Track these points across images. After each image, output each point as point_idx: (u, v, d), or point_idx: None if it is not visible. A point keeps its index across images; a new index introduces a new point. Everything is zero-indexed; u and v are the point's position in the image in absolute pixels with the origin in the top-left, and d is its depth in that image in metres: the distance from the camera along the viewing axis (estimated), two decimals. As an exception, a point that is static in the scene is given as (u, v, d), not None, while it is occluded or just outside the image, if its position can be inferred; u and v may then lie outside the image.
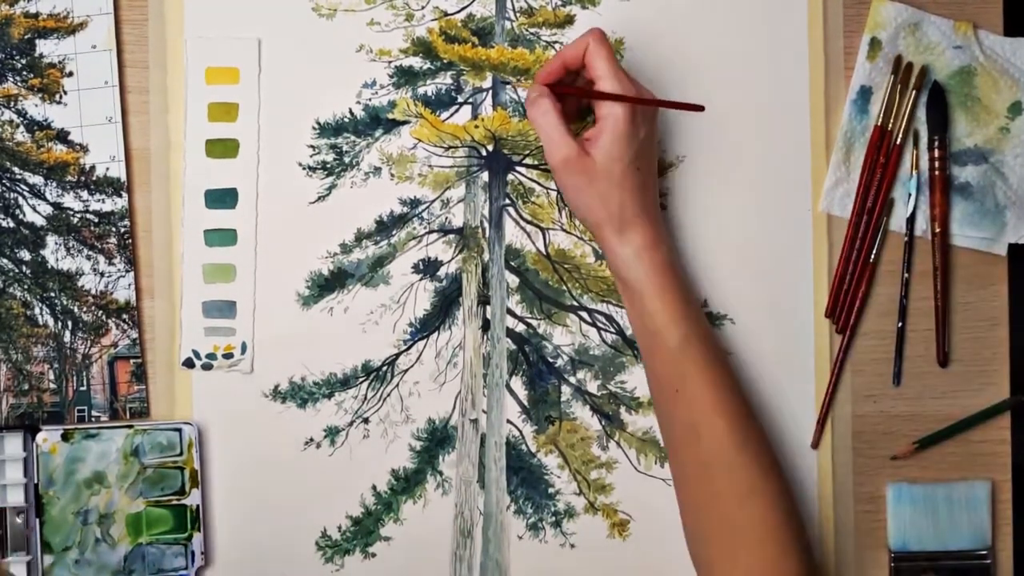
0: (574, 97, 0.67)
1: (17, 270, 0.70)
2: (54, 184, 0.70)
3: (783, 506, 0.61)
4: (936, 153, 0.71)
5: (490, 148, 0.72)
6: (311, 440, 0.71)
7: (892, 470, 0.72)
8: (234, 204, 0.70)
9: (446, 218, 0.71)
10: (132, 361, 0.70)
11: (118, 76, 0.70)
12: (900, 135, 0.71)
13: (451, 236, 0.72)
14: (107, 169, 0.70)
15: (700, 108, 0.64)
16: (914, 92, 0.71)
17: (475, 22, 0.71)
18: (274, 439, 0.71)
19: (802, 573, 0.60)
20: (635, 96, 0.63)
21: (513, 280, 0.72)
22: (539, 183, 0.72)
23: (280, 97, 0.71)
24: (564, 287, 0.72)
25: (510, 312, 0.72)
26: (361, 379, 0.71)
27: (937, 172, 0.71)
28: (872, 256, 0.71)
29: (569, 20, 0.71)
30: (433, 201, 0.71)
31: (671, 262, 0.64)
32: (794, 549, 0.60)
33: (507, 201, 0.72)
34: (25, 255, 0.70)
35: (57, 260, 0.70)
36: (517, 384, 0.72)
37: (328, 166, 0.71)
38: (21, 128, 0.69)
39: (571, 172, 0.63)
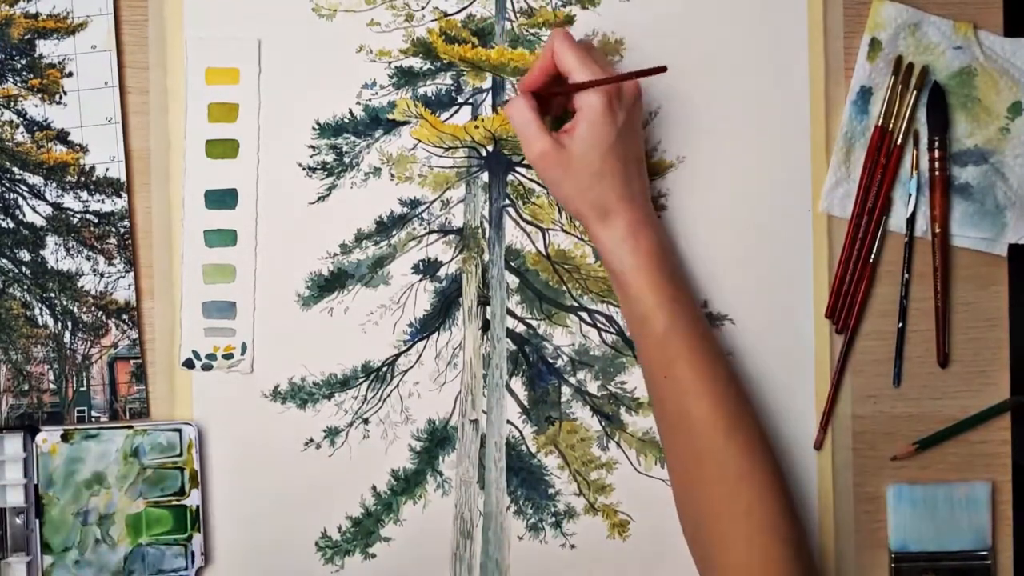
0: (560, 102, 0.67)
1: (17, 270, 0.70)
2: (54, 184, 0.70)
3: (774, 492, 0.61)
4: (936, 153, 0.71)
5: (490, 149, 0.72)
6: (311, 440, 0.71)
7: (892, 470, 0.72)
8: (234, 204, 0.70)
9: (446, 218, 0.71)
10: (132, 361, 0.70)
11: (118, 76, 0.70)
12: (900, 135, 0.71)
13: (451, 236, 0.72)
14: (107, 169, 0.70)
15: (663, 69, 0.63)
16: (914, 92, 0.71)
17: (475, 23, 0.71)
18: (274, 439, 0.71)
19: (794, 558, 0.60)
20: (604, 79, 0.63)
21: (513, 280, 0.72)
22: (539, 183, 0.72)
23: (280, 97, 0.71)
24: (564, 287, 0.72)
25: (510, 312, 0.72)
26: (361, 379, 0.71)
27: (937, 172, 0.71)
28: (872, 256, 0.71)
29: (569, 20, 0.71)
30: (433, 201, 0.71)
31: (657, 247, 0.64)
32: (786, 535, 0.60)
33: (507, 201, 0.72)
34: (25, 255, 0.70)
35: (57, 260, 0.70)
36: (517, 385, 0.72)
37: (328, 166, 0.71)
38: (21, 128, 0.69)
39: (548, 165, 0.64)
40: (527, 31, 0.72)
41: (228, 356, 0.70)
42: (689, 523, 0.64)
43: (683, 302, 0.64)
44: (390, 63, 0.71)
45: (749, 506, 0.61)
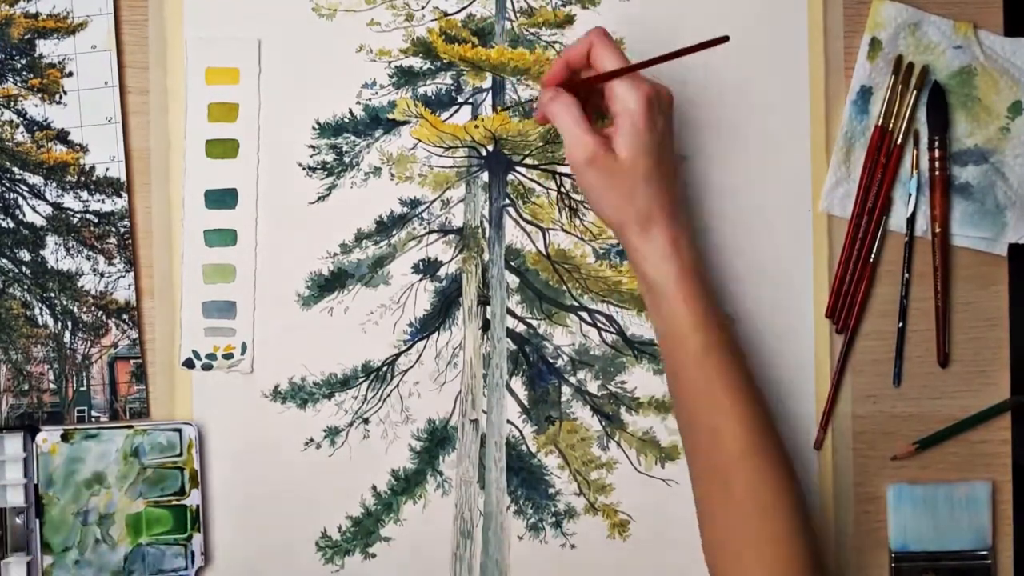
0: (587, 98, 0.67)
1: (17, 270, 0.70)
2: (54, 184, 0.70)
3: (797, 517, 0.60)
4: (936, 153, 0.71)
5: (490, 148, 0.72)
6: (311, 440, 0.71)
7: (892, 470, 0.72)
8: (234, 204, 0.70)
9: (446, 218, 0.71)
10: (132, 361, 0.70)
11: (118, 76, 0.70)
12: (900, 135, 0.71)
13: (451, 236, 0.72)
14: (107, 169, 0.70)
15: (725, 39, 0.61)
16: (914, 92, 0.71)
17: (475, 22, 0.71)
18: (274, 439, 0.71)
19: None
20: (646, 78, 0.61)
21: (513, 280, 0.72)
22: (539, 183, 0.72)
23: (280, 97, 0.71)
24: (564, 287, 0.72)
25: (510, 312, 0.72)
26: (361, 379, 0.71)
27: (937, 172, 0.71)
28: (872, 256, 0.71)
29: (569, 20, 0.71)
30: (433, 201, 0.71)
31: (696, 262, 0.63)
32: (805, 561, 0.59)
33: (507, 201, 0.72)
34: (25, 255, 0.70)
35: (57, 260, 0.70)
36: (517, 384, 0.72)
37: (328, 166, 0.71)
38: (21, 128, 0.69)
39: (596, 170, 0.61)
40: (527, 31, 0.72)
41: (228, 356, 0.70)
42: (710, 545, 0.63)
43: (718, 319, 0.62)
44: (390, 63, 0.71)
45: (777, 531, 0.60)
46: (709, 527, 0.63)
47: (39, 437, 0.69)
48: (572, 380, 0.72)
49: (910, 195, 0.71)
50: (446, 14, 0.71)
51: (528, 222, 0.72)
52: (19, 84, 0.69)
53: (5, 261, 0.70)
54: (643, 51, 0.71)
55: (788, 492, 0.61)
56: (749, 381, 0.63)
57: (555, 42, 0.71)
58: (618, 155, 0.61)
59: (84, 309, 0.70)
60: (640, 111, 0.61)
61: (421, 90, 0.71)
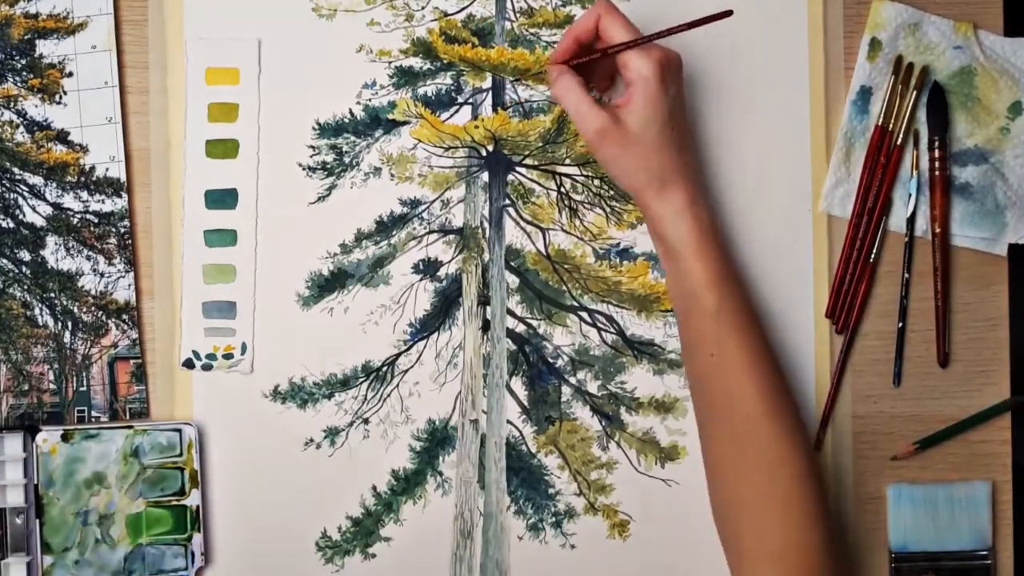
0: (589, 73, 0.67)
1: (17, 270, 0.70)
2: (54, 184, 0.70)
3: (810, 478, 0.61)
4: (936, 153, 0.71)
5: (490, 148, 0.72)
6: (311, 440, 0.71)
7: (892, 470, 0.72)
8: (234, 204, 0.70)
9: (446, 218, 0.72)
10: (132, 361, 0.70)
11: (118, 76, 0.70)
12: (900, 135, 0.71)
13: (451, 236, 0.72)
14: (107, 169, 0.70)
15: (729, 13, 0.63)
16: (914, 92, 0.71)
17: (475, 22, 0.72)
18: (274, 439, 0.71)
19: (825, 544, 0.60)
20: (657, 44, 0.62)
21: (513, 280, 0.72)
22: (539, 183, 0.72)
23: (280, 97, 0.71)
24: (564, 287, 0.72)
25: (510, 312, 0.72)
26: (361, 379, 0.71)
27: (937, 172, 0.71)
28: (872, 256, 0.71)
29: (569, 20, 0.71)
30: (433, 201, 0.71)
31: (711, 222, 0.64)
32: (818, 521, 0.60)
33: (507, 201, 0.72)
34: (25, 255, 0.70)
35: (57, 260, 0.70)
36: (517, 384, 0.72)
37: (328, 166, 0.71)
38: (21, 128, 0.69)
39: (607, 142, 0.63)
40: (527, 31, 0.72)
41: (228, 356, 0.70)
42: (722, 509, 0.63)
43: (733, 280, 0.64)
44: (390, 63, 0.71)
45: (787, 492, 0.60)
46: (721, 488, 0.63)
47: (39, 437, 0.69)
48: (572, 380, 0.72)
49: (910, 195, 0.71)
50: (446, 14, 0.71)
51: (528, 222, 0.72)
52: (19, 84, 0.69)
53: (5, 261, 0.70)
54: (643, 51, 0.71)
55: (800, 449, 0.62)
56: (763, 342, 0.64)
57: (555, 42, 0.71)
58: (628, 125, 0.63)
59: (84, 309, 0.70)
60: (654, 78, 0.62)
61: (421, 90, 0.71)
